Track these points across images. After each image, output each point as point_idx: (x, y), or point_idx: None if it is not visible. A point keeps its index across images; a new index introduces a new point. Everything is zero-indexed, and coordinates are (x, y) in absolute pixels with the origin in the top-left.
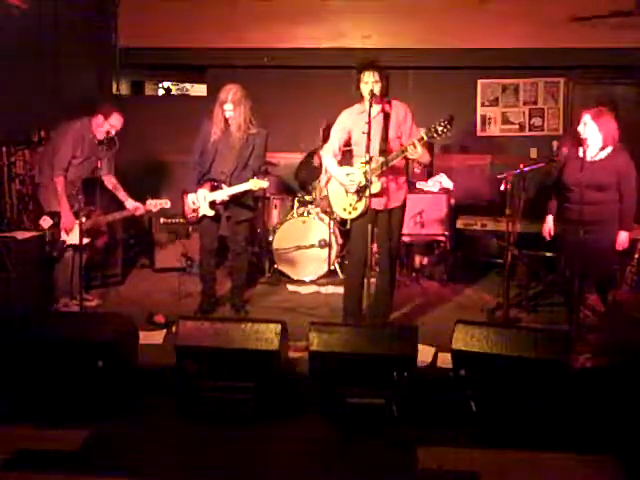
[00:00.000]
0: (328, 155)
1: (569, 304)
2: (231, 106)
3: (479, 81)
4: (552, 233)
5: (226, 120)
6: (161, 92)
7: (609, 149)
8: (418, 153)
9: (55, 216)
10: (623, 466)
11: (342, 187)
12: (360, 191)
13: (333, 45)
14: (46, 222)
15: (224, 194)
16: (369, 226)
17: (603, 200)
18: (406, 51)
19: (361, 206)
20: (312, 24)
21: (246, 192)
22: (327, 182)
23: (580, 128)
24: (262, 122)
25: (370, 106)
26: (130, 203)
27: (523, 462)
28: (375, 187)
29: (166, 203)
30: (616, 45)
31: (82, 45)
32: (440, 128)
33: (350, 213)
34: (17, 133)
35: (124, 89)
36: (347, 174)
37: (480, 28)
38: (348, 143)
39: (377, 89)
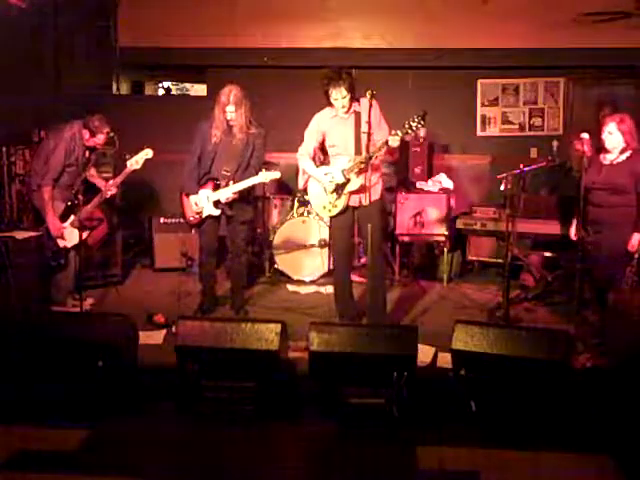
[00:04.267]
0: (304, 157)
1: (570, 304)
2: (233, 108)
3: (479, 81)
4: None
5: (227, 122)
6: (161, 92)
7: (628, 153)
8: (397, 142)
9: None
10: (623, 466)
11: (321, 186)
12: (339, 189)
13: (333, 45)
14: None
15: (230, 191)
16: (349, 222)
17: (618, 203)
18: (406, 51)
19: (341, 203)
20: (312, 24)
21: (250, 190)
22: (306, 182)
23: (604, 136)
24: (262, 122)
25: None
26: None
27: (523, 461)
28: (355, 184)
29: (147, 154)
30: (616, 45)
31: (82, 45)
32: (414, 124)
33: (330, 211)
34: (17, 133)
35: (124, 89)
36: (325, 173)
37: (480, 28)
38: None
39: (346, 102)
